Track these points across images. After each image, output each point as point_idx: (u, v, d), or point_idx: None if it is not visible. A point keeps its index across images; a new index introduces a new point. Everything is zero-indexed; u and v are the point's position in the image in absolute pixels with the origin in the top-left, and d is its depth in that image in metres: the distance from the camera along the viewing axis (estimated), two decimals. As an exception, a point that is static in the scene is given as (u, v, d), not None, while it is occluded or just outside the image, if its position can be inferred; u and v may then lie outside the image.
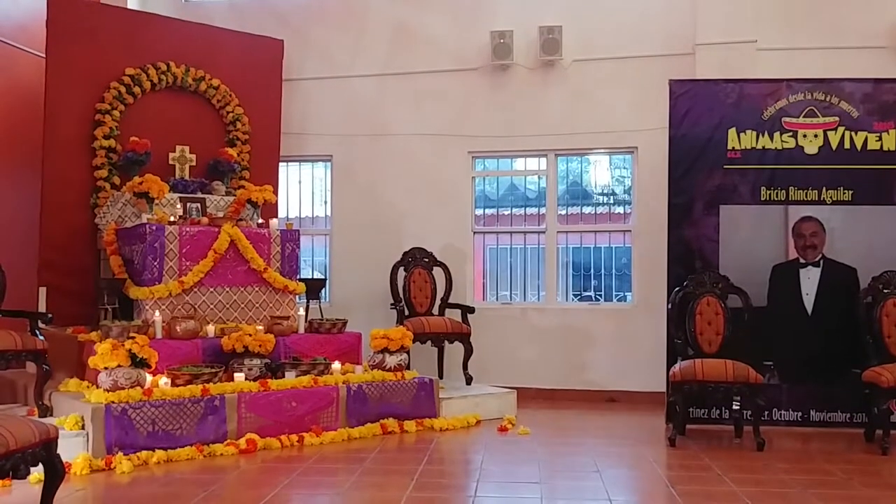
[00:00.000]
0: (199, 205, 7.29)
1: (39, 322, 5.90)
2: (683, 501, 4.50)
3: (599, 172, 8.84)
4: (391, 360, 6.67)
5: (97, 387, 5.50)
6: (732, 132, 6.73)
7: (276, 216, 7.92)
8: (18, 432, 3.48)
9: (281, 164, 8.60)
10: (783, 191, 6.69)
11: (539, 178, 8.70)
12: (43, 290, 6.92)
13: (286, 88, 8.53)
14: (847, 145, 6.64)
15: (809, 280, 6.65)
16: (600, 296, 8.70)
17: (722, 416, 6.59)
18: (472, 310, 7.83)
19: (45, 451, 3.67)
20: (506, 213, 8.89)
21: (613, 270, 8.66)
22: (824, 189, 6.65)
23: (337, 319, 7.18)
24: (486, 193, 8.89)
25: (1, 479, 3.40)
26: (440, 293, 7.99)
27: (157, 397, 5.50)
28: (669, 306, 6.52)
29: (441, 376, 7.68)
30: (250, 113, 8.14)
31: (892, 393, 5.89)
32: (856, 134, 6.64)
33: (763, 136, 6.71)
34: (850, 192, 6.63)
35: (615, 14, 8.25)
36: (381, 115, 8.65)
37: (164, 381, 5.73)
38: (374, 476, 5.10)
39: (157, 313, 6.41)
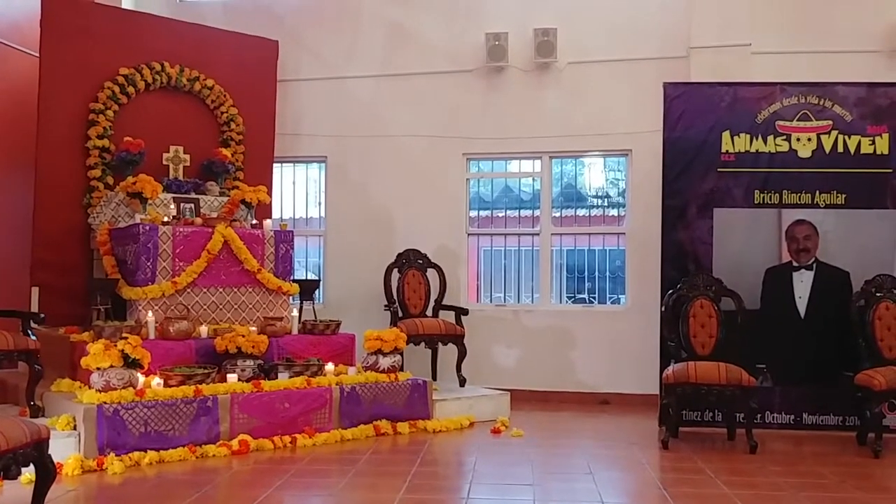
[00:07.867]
0: (192, 205, 7.27)
1: (32, 322, 5.88)
2: (676, 504, 4.51)
3: (594, 175, 8.85)
4: (385, 362, 6.67)
5: (89, 387, 5.48)
6: (726, 135, 6.74)
7: (270, 217, 7.91)
8: (10, 432, 3.46)
9: (275, 164, 8.59)
10: (777, 194, 6.70)
11: (533, 180, 8.70)
12: (35, 290, 6.89)
13: (280, 89, 8.52)
14: (840, 149, 6.66)
15: (802, 283, 6.66)
16: (594, 298, 8.71)
17: (715, 418, 6.60)
18: (465, 311, 7.83)
19: (37, 452, 3.66)
20: (500, 214, 8.89)
21: (607, 273, 8.67)
22: (818, 192, 6.66)
23: (330, 321, 7.17)
24: (480, 195, 8.89)
25: (-8, 479, 3.39)
26: (434, 295, 7.99)
27: (149, 398, 5.49)
28: (663, 309, 6.53)
29: (434, 378, 7.66)
30: (244, 113, 8.13)
31: (884, 396, 5.91)
32: (849, 137, 6.66)
33: (757, 139, 6.73)
34: (844, 195, 6.65)
35: (610, 17, 8.26)
36: (376, 117, 8.63)
37: (156, 381, 5.72)
38: (366, 477, 5.10)
39: (150, 314, 6.39)
